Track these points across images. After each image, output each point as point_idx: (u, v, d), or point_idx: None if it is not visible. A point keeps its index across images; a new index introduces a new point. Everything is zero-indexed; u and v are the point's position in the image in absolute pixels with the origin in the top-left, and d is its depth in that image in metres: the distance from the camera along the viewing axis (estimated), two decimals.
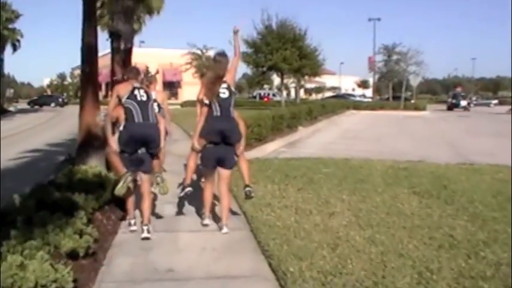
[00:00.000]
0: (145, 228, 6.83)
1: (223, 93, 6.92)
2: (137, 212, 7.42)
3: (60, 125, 34.13)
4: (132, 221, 7.26)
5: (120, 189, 6.78)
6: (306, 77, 50.50)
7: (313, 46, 44.25)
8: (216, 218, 7.51)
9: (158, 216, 7.92)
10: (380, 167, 11.64)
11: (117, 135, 6.97)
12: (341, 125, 29.23)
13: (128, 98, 6.90)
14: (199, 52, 63.64)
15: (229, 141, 6.96)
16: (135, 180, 7.23)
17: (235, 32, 7.29)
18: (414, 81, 56.01)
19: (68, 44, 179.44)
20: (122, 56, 23.25)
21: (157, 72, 14.61)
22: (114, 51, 19.14)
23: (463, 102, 59.01)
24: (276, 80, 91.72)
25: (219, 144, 6.96)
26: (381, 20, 70.64)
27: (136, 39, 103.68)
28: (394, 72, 60.45)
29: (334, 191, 9.33)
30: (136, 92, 6.97)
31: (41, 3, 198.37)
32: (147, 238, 6.74)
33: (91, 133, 10.93)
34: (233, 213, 7.73)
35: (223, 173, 7.12)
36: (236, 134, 7.00)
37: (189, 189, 7.27)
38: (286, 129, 20.31)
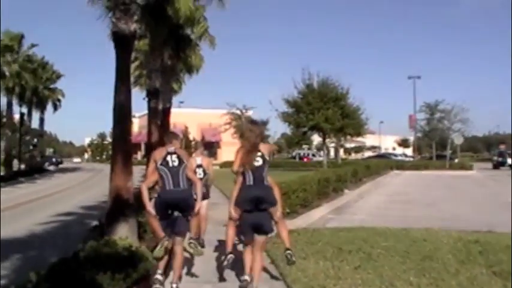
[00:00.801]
0: (174, 286, 7.02)
1: (257, 161, 7.03)
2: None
3: (99, 185, 33.51)
4: (160, 277, 7.14)
5: (157, 253, 7.09)
6: (348, 137, 48.79)
7: (355, 105, 43.23)
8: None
9: None
10: (446, 240, 10.16)
11: (153, 200, 7.21)
12: (388, 187, 27.72)
13: (161, 164, 7.13)
14: (238, 112, 63.28)
15: (263, 208, 7.03)
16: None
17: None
18: (458, 140, 54.07)
19: (109, 103, 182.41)
20: (161, 116, 22.69)
21: (203, 139, 14.31)
22: (151, 111, 18.47)
23: (510, 161, 56.76)
24: (316, 139, 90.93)
25: (254, 212, 7.01)
26: (420, 78, 68.09)
27: (176, 99, 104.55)
28: (437, 131, 58.69)
29: (398, 270, 7.97)
30: (168, 158, 7.15)
31: (83, 63, 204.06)
32: None
33: (122, 199, 9.97)
34: (272, 276, 7.80)
35: (259, 238, 7.06)
36: (270, 200, 7.08)
37: (230, 256, 7.19)
38: (331, 193, 19.04)
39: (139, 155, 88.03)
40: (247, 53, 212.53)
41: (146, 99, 18.49)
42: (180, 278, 7.32)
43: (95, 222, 12.06)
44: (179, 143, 7.65)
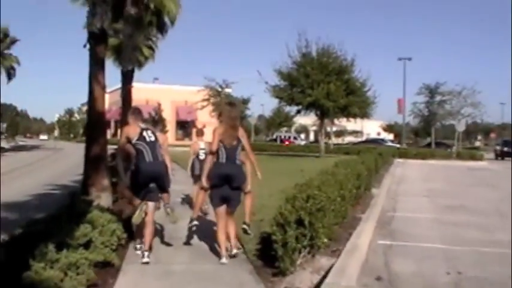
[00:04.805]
0: (146, 253, 7.51)
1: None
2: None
3: (46, 168, 27.17)
4: (138, 246, 7.89)
5: (137, 218, 7.67)
6: (350, 119, 41.43)
7: (362, 80, 37.03)
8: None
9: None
10: None
11: (129, 174, 7.95)
12: (414, 183, 21.45)
13: (137, 139, 7.65)
14: (217, 88, 56.74)
15: (234, 185, 7.60)
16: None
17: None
18: (460, 127, 48.33)
19: (78, 77, 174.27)
20: (124, 91, 16.18)
21: (204, 126, 13.38)
22: (94, 61, 12.02)
23: None
24: (299, 121, 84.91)
25: (223, 187, 7.58)
26: (411, 59, 59.62)
27: (149, 74, 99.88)
28: (436, 116, 52.90)
29: None
30: (144, 133, 7.72)
31: (53, 34, 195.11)
32: (147, 263, 7.37)
33: None
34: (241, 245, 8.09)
35: (229, 210, 7.75)
36: (240, 178, 7.65)
37: (195, 222, 8.00)
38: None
39: (108, 134, 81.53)
40: (230, 17, 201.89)
41: (87, 46, 11.97)
42: (150, 247, 7.73)
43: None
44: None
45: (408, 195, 16.74)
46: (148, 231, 7.67)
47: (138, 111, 8.18)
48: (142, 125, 7.83)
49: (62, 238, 6.40)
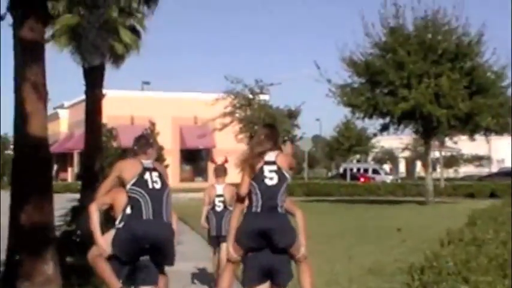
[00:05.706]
0: None
1: (271, 178, 7.75)
2: None
3: None
4: None
5: None
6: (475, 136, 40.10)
7: (499, 67, 35.90)
8: None
9: None
10: None
11: (111, 233, 8.11)
12: None
13: (134, 183, 7.93)
14: (248, 94, 56.02)
15: (279, 246, 7.68)
16: None
17: None
18: None
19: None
20: (92, 101, 15.20)
21: (226, 161, 13.61)
22: (21, 49, 11.03)
23: None
24: (384, 142, 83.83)
25: (264, 250, 7.72)
26: None
27: (135, 76, 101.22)
28: None
29: None
30: (147, 175, 8.06)
31: None
32: None
33: None
34: None
35: None
36: (287, 235, 7.73)
37: None
38: None
39: (69, 173, 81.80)
40: None
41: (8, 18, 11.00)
42: None
43: None
44: (155, 153, 8.83)
45: None
46: None
47: (144, 141, 8.67)
48: (147, 163, 8.19)
49: None
